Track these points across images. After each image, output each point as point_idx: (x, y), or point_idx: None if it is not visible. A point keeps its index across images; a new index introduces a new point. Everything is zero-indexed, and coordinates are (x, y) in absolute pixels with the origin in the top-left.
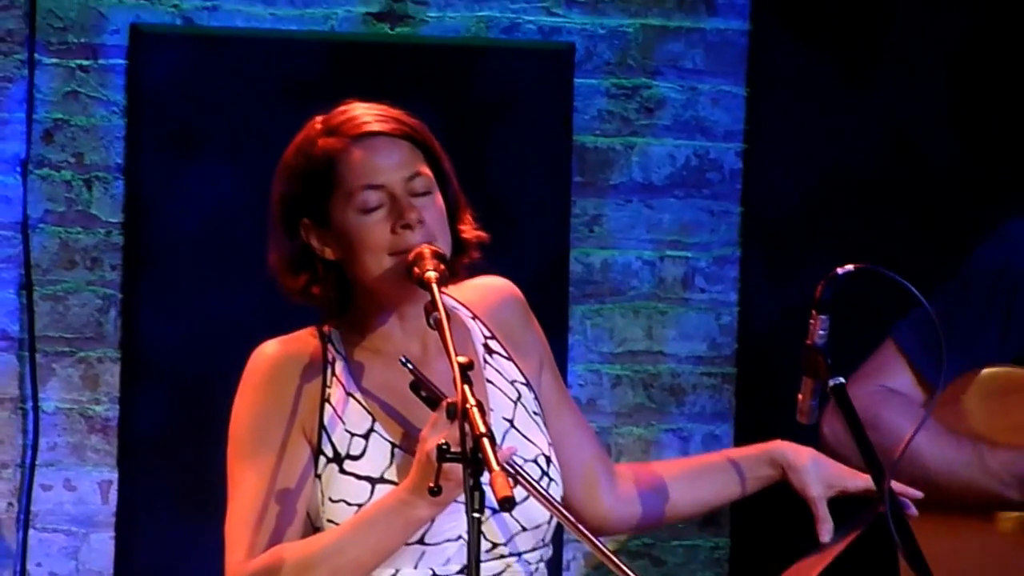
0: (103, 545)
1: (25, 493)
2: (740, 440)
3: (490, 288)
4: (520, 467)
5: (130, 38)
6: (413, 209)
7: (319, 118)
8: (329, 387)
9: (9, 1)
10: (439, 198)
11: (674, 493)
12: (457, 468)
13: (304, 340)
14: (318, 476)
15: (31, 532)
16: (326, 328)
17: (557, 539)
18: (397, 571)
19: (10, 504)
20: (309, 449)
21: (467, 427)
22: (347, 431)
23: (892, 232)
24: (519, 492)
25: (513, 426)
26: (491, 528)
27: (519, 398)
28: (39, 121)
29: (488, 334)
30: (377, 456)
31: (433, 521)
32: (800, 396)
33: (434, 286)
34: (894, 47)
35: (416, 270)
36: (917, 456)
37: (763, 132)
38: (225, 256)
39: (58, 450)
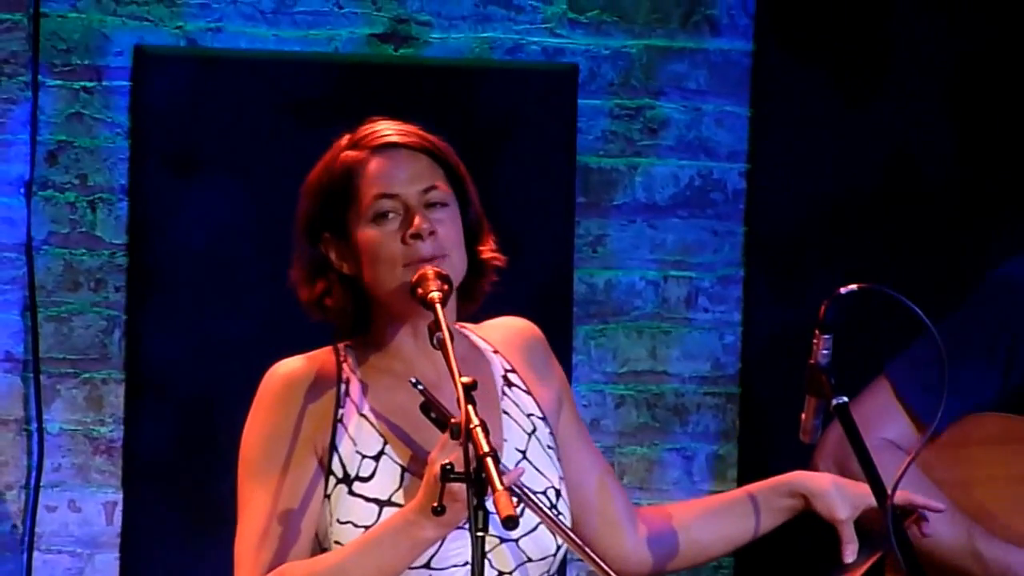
0: (108, 566)
1: (30, 514)
2: (744, 459)
3: (512, 327)
4: (527, 488)
5: (134, 59)
6: (425, 220)
7: (346, 135)
8: (342, 407)
9: (13, 23)
10: (457, 215)
11: (697, 532)
12: (461, 488)
13: (319, 359)
14: (327, 496)
15: (36, 554)
16: (341, 347)
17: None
18: None
19: (15, 526)
20: (320, 469)
21: (471, 447)
22: (358, 452)
23: (894, 251)
24: (528, 523)
25: (526, 457)
26: (499, 556)
27: (534, 431)
28: (43, 143)
29: (509, 367)
30: (386, 479)
31: (440, 546)
32: (803, 415)
33: (437, 306)
34: (896, 67)
35: (420, 291)
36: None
37: (766, 152)
38: (229, 276)
39: (63, 471)
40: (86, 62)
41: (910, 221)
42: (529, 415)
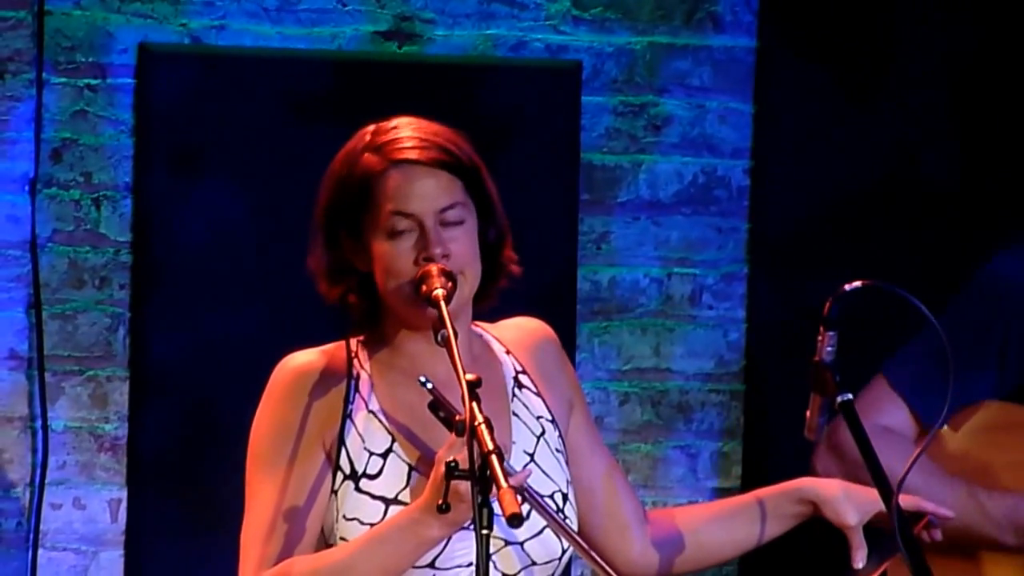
0: (112, 564)
1: (34, 512)
2: (749, 456)
3: (526, 327)
4: (534, 491)
5: (138, 57)
6: (439, 243)
7: (370, 128)
8: (351, 403)
9: (17, 20)
10: (473, 229)
11: (705, 536)
12: (466, 486)
13: (330, 354)
14: (334, 492)
15: (40, 551)
16: (353, 343)
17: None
18: None
19: (19, 523)
20: (328, 464)
21: (475, 445)
22: (366, 449)
23: (898, 248)
24: (534, 525)
25: (533, 460)
26: (504, 559)
27: (543, 434)
28: (47, 140)
29: (520, 369)
30: (393, 477)
31: (445, 546)
32: (808, 413)
33: (441, 303)
34: (900, 65)
35: (424, 288)
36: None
37: (770, 149)
38: (233, 274)
39: (67, 469)
40: (90, 60)
41: (913, 218)
42: (538, 417)
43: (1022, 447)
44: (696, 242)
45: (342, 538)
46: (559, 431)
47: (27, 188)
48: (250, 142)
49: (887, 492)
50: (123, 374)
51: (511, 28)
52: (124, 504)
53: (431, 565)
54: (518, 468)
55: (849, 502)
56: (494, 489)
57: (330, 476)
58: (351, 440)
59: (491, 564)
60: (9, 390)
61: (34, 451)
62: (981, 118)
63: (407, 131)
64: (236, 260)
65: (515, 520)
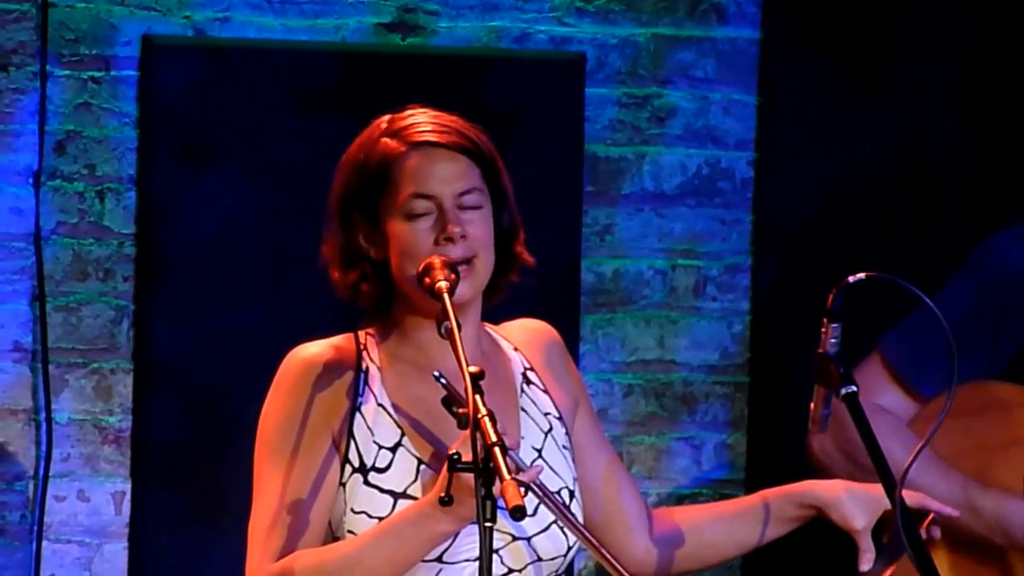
0: (116, 556)
1: (38, 504)
2: (753, 448)
3: (532, 328)
4: (543, 484)
5: (142, 49)
6: (458, 223)
7: (386, 116)
8: (361, 396)
9: (21, 13)
10: (489, 215)
11: (708, 536)
12: (469, 478)
13: (340, 347)
14: (342, 485)
15: (45, 543)
16: (362, 336)
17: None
18: None
19: (23, 515)
20: (336, 456)
21: (479, 437)
22: (375, 442)
23: (903, 241)
24: (541, 521)
25: (541, 456)
26: (510, 554)
27: (550, 430)
28: (51, 133)
29: (528, 366)
30: (402, 471)
31: (453, 541)
32: (812, 404)
33: (445, 296)
34: (905, 56)
35: (427, 280)
36: (907, 484)
37: (774, 141)
38: (238, 266)
39: (71, 461)
40: (94, 52)
41: (918, 210)
42: (546, 414)
43: (1013, 426)
44: (700, 234)
45: (350, 531)
46: (566, 428)
47: (31, 180)
48: (254, 134)
49: (891, 485)
50: (127, 366)
51: (515, 20)
52: (128, 496)
53: (439, 559)
54: (527, 463)
55: (855, 505)
56: (498, 482)
57: (338, 468)
58: (360, 433)
59: (498, 559)
60: (13, 382)
61: (38, 443)
62: (987, 109)
63: (424, 117)
64: (240, 252)
65: (518, 512)
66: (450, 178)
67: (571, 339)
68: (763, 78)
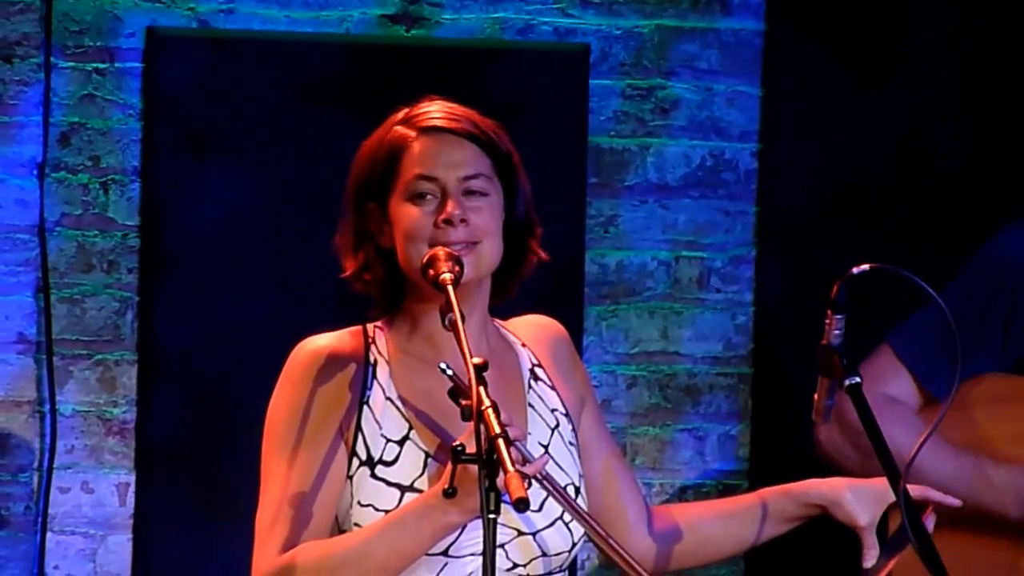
0: (121, 547)
1: (43, 496)
2: (756, 440)
3: (541, 324)
4: (550, 477)
5: (146, 41)
6: (458, 206)
7: (403, 110)
8: (369, 389)
9: (25, 5)
10: (497, 205)
11: (708, 533)
12: (474, 470)
13: (348, 338)
14: (350, 478)
15: (49, 535)
16: (371, 329)
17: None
18: None
19: (28, 507)
20: (344, 449)
21: (483, 429)
22: (382, 435)
23: (906, 232)
24: (547, 517)
25: (547, 452)
26: (515, 549)
27: (557, 427)
28: (56, 124)
29: (536, 362)
30: (409, 464)
31: (459, 534)
32: (816, 396)
33: (449, 287)
34: (908, 47)
35: (431, 271)
36: (918, 469)
37: (778, 132)
38: (241, 258)
39: (75, 453)
40: (98, 44)
41: (922, 200)
42: (553, 410)
43: (1022, 418)
44: (704, 225)
45: (356, 524)
46: (572, 425)
47: (35, 172)
48: (258, 126)
49: (895, 476)
50: (131, 358)
51: (519, 11)
52: (132, 488)
53: (444, 553)
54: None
55: (858, 502)
56: (502, 474)
57: (345, 461)
58: (368, 426)
59: (503, 553)
60: (18, 374)
61: (42, 435)
62: (989, 100)
63: (438, 106)
64: (244, 244)
65: (521, 504)
66: (455, 163)
67: (575, 330)
68: (767, 70)
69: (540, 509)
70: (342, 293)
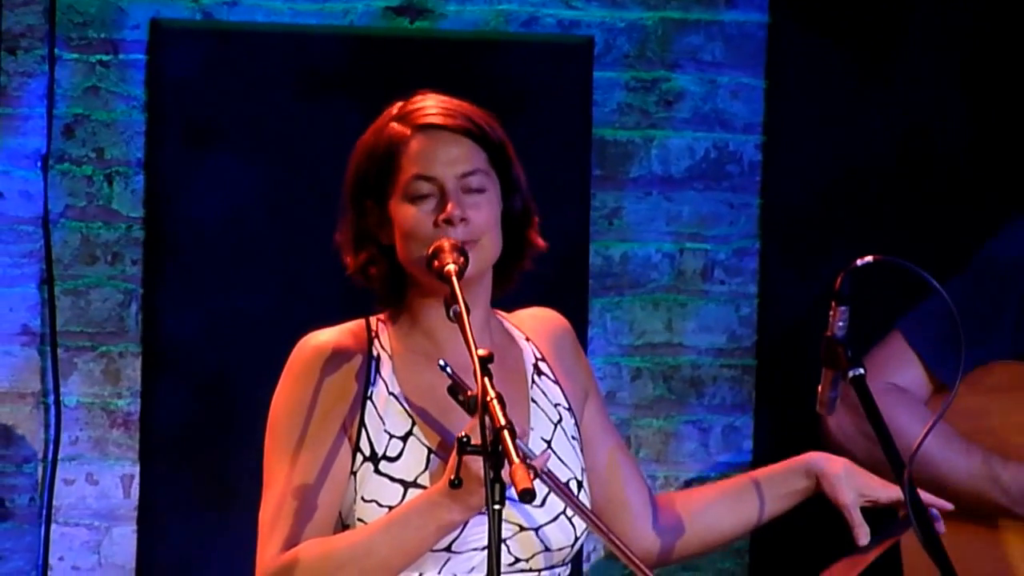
0: (125, 539)
1: (47, 487)
2: (760, 431)
3: (544, 317)
4: (552, 473)
5: (150, 33)
6: (459, 205)
7: (398, 104)
8: (372, 385)
9: None
10: (495, 199)
11: (713, 518)
12: (478, 464)
13: (351, 333)
14: (353, 473)
15: (53, 526)
16: (374, 323)
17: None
18: (421, 575)
19: (32, 498)
20: (347, 444)
21: (488, 420)
22: (386, 431)
23: (910, 224)
24: (549, 511)
25: (550, 447)
26: (519, 544)
27: (560, 421)
28: (59, 116)
29: (539, 356)
30: (412, 460)
31: (462, 530)
32: (820, 387)
33: (453, 279)
34: (912, 40)
35: (436, 263)
36: (927, 462)
37: (782, 124)
38: (246, 250)
39: (80, 444)
40: (102, 36)
41: (926, 193)
42: (556, 405)
43: None
44: (708, 217)
45: (360, 520)
46: (575, 419)
47: (39, 164)
48: (261, 118)
49: (899, 464)
50: (135, 350)
51: (523, 3)
52: (137, 480)
53: (447, 549)
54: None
55: (848, 482)
56: (507, 465)
57: (349, 457)
58: (371, 422)
59: (505, 548)
60: (22, 366)
61: (47, 427)
62: (993, 92)
63: (432, 101)
64: (248, 236)
65: (526, 495)
66: (453, 160)
67: (579, 322)
68: (771, 62)
69: (543, 504)
70: (346, 285)
